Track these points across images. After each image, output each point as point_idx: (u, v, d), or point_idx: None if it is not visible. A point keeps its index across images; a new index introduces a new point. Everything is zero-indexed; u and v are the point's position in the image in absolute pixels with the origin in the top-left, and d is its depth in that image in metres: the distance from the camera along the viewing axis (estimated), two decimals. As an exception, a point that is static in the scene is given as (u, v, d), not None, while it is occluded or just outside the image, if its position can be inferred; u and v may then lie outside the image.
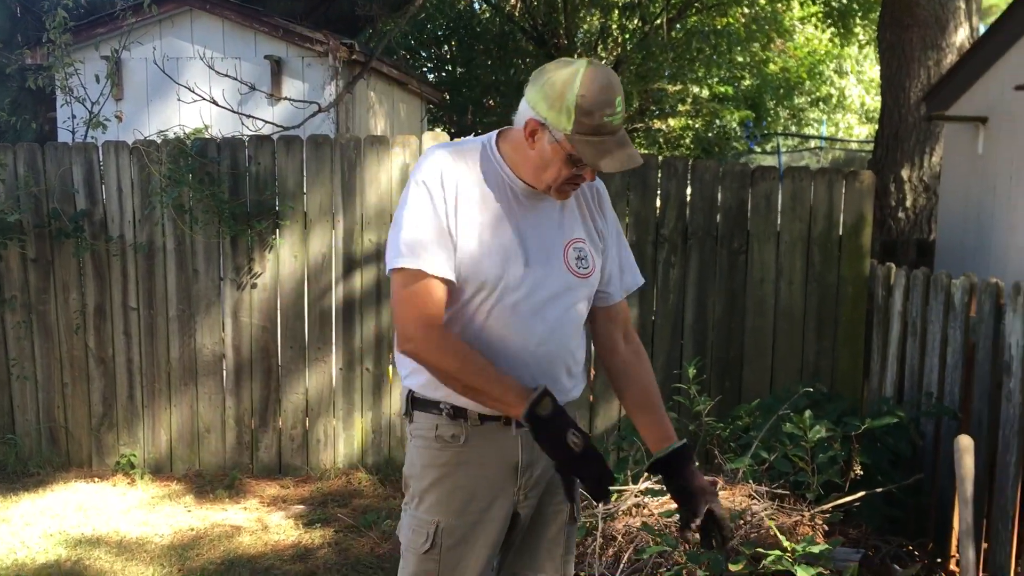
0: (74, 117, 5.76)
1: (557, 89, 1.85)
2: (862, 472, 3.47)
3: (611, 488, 1.86)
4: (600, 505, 3.67)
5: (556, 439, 1.86)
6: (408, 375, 2.05)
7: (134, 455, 5.20)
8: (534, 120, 1.90)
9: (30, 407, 5.24)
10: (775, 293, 4.76)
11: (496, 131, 2.05)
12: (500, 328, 1.94)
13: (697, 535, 2.00)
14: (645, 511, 3.52)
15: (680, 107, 13.00)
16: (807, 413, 3.25)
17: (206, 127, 5.51)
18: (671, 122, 13.39)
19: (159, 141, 5.04)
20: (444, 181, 1.90)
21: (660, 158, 4.91)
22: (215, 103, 5.84)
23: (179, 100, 6.35)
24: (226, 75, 6.09)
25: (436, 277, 1.88)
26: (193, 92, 5.91)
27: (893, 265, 4.52)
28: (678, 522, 2.03)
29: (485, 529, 2.03)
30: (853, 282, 4.68)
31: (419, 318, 1.87)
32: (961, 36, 6.80)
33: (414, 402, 2.04)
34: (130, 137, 5.31)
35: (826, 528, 3.33)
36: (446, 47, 13.59)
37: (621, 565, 3.29)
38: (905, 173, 6.85)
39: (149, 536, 4.38)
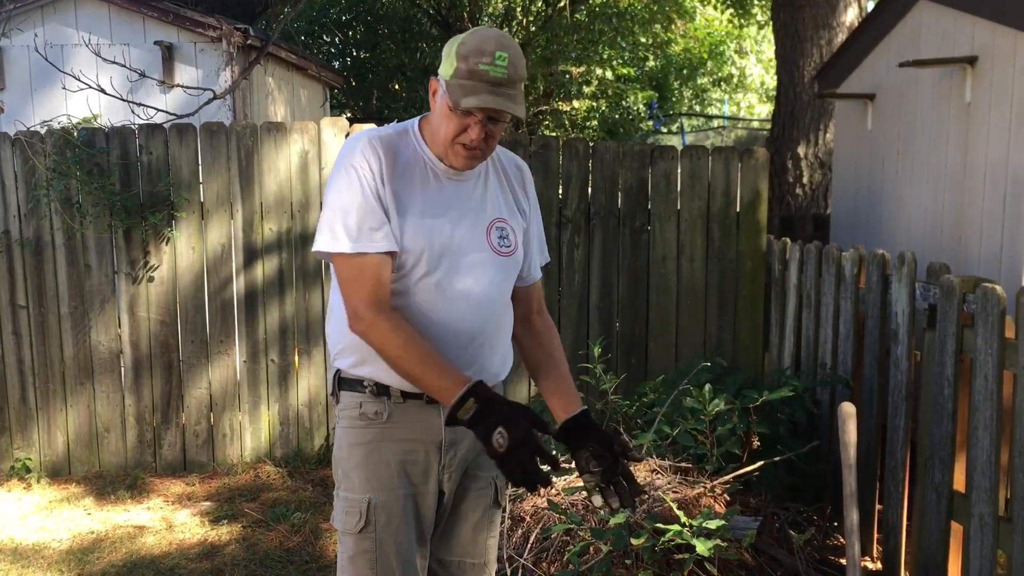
0: (-48, 108, 5.49)
1: (451, 46, 1.95)
2: (760, 443, 3.56)
3: (546, 477, 1.77)
4: (508, 487, 3.69)
5: (481, 439, 1.81)
6: (337, 355, 2.06)
7: (29, 459, 5.00)
8: (433, 79, 2.00)
9: (-86, 414, 4.99)
10: (677, 270, 4.84)
11: (421, 115, 2.10)
12: (424, 305, 1.97)
13: (615, 499, 1.94)
14: (551, 491, 3.54)
15: (585, 89, 13.09)
16: (706, 387, 3.31)
17: (95, 117, 5.31)
18: (576, 104, 13.47)
19: (43, 132, 4.84)
20: (371, 163, 1.94)
21: (561, 140, 4.93)
22: (103, 91, 5.63)
23: (64, 89, 6.11)
24: (114, 62, 5.87)
25: (380, 254, 1.91)
26: (79, 80, 5.69)
27: (788, 240, 4.64)
28: (591, 486, 1.94)
29: (416, 504, 2.04)
30: (751, 257, 4.79)
31: (367, 299, 1.89)
32: (851, 15, 7.01)
33: (340, 382, 2.06)
34: (12, 128, 5.08)
35: (727, 499, 3.40)
36: (350, 31, 13.38)
37: (529, 544, 3.32)
38: (801, 150, 7.04)
39: (46, 542, 4.22)
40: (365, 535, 2.02)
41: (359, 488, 2.03)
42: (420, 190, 1.97)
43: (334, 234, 1.91)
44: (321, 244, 1.93)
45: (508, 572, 3.25)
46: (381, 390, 2.01)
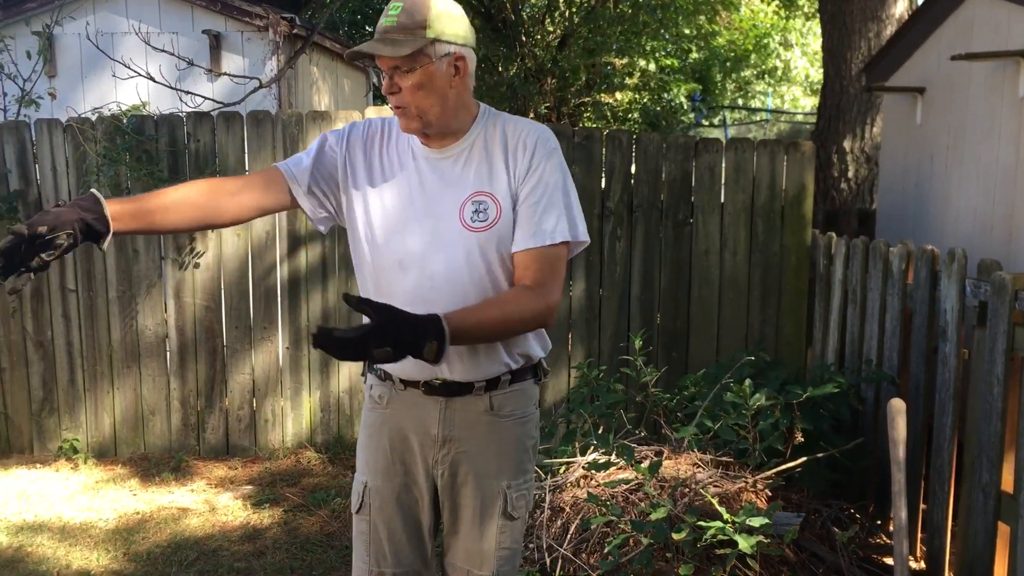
0: (5, 95, 5.61)
1: None
2: (804, 438, 3.52)
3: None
4: (547, 477, 3.69)
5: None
6: None
7: (77, 440, 5.10)
8: None
9: (-33, 393, 5.11)
10: (720, 264, 4.80)
11: None
12: (390, 284, 1.98)
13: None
14: (592, 483, 3.54)
15: (628, 81, 13.01)
16: (747, 382, 3.29)
17: (143, 104, 5.39)
18: (618, 96, 13.39)
19: (94, 119, 4.92)
20: (360, 134, 2.06)
21: (605, 132, 4.91)
22: (152, 79, 5.71)
23: (115, 76, 6.20)
24: (163, 50, 5.95)
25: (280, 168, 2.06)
26: (129, 68, 5.77)
27: (834, 234, 4.58)
28: None
29: (411, 494, 2.05)
30: (795, 251, 4.74)
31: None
32: (900, 7, 6.89)
33: (367, 364, 2.11)
34: (64, 115, 5.16)
35: (769, 494, 3.38)
36: (392, 21, 13.38)
37: (569, 535, 3.32)
38: (847, 144, 6.94)
39: (93, 521, 4.31)
40: (362, 517, 2.06)
41: (361, 469, 2.09)
42: (396, 171, 2.02)
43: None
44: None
45: (547, 562, 3.26)
46: (387, 376, 2.05)
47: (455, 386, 1.99)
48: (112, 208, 1.78)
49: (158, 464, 5.00)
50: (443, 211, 1.96)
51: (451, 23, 1.92)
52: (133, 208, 1.83)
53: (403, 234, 1.97)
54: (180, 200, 1.90)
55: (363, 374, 2.15)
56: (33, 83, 5.59)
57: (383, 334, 1.64)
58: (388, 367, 2.02)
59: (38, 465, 5.02)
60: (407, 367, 1.96)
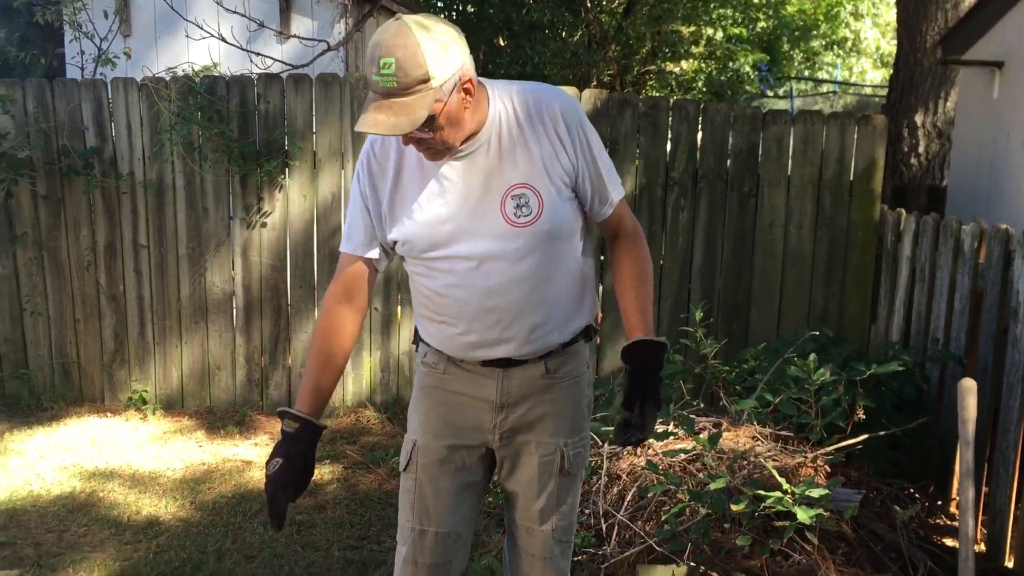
0: (83, 53, 5.73)
1: None
2: (865, 416, 3.49)
3: (279, 521, 1.95)
4: (605, 445, 3.72)
5: (270, 454, 1.97)
6: (415, 313, 2.15)
7: (146, 391, 5.26)
8: None
9: (43, 343, 5.29)
10: (784, 237, 4.75)
11: None
12: (445, 288, 1.99)
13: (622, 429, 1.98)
14: (650, 451, 3.56)
15: (693, 49, 12.82)
16: (811, 357, 3.27)
17: (215, 65, 5.47)
18: (684, 65, 13.21)
19: (168, 78, 5.02)
20: (364, 174, 2.03)
21: (672, 101, 4.86)
22: (223, 40, 5.79)
23: (187, 37, 6.30)
24: (234, 12, 6.02)
25: (355, 256, 2.06)
26: (201, 29, 5.86)
27: (903, 210, 4.50)
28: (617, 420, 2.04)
29: (460, 455, 2.08)
30: (863, 227, 4.67)
31: (332, 288, 2.09)
32: (981, -22, 6.67)
33: (417, 331, 2.18)
34: (138, 74, 5.27)
35: (828, 470, 3.36)
36: (458, -15, 13.35)
37: (625, 503, 3.35)
38: (919, 118, 6.78)
39: (161, 470, 4.46)
40: (408, 475, 2.11)
41: (412, 429, 2.13)
42: (420, 182, 1.96)
43: (343, 234, 2.11)
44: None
45: (603, 527, 3.30)
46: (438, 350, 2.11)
47: (512, 360, 2.04)
48: (312, 411, 2.00)
49: (223, 418, 5.13)
50: (484, 212, 1.94)
51: (445, 55, 1.79)
52: (322, 400, 2.04)
53: (451, 245, 1.95)
54: (337, 364, 2.06)
55: (414, 342, 2.19)
56: (109, 42, 5.72)
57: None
58: (439, 347, 2.08)
59: (109, 414, 5.19)
60: (457, 352, 2.05)
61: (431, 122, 1.81)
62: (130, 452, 4.67)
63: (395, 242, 2.02)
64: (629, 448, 3.65)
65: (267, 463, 1.95)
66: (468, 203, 1.94)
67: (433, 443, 2.07)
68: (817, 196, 4.71)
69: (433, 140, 1.86)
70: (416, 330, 2.18)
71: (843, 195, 4.68)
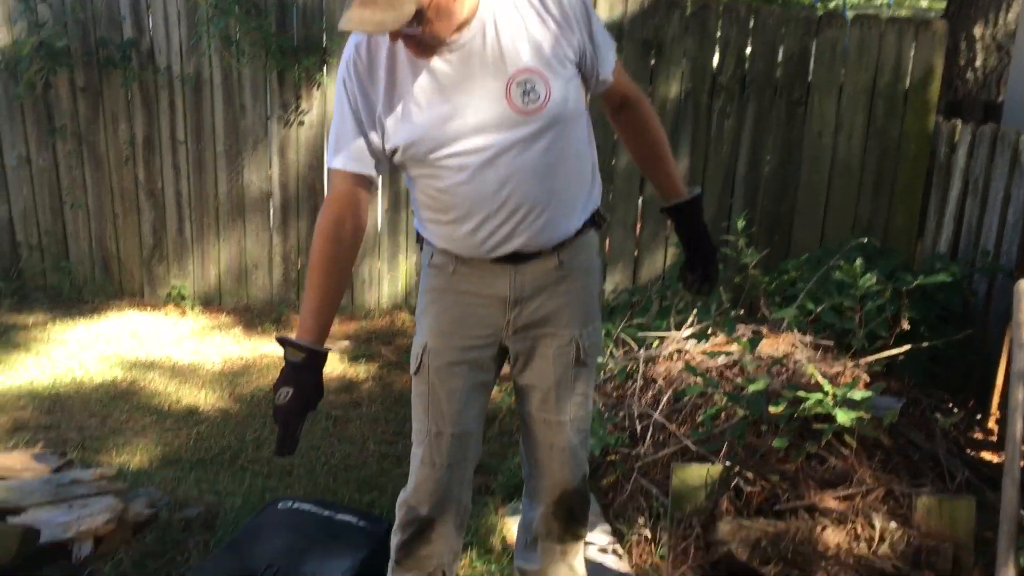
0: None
1: None
2: (909, 327, 3.44)
3: (291, 449, 1.94)
4: (641, 350, 3.70)
5: (275, 384, 1.94)
6: (415, 215, 2.07)
7: (184, 287, 5.31)
8: None
9: (83, 236, 5.34)
10: (833, 147, 4.62)
11: None
12: (454, 187, 1.89)
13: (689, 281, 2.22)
14: (687, 356, 3.54)
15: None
16: (858, 261, 3.19)
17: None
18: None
19: (205, -31, 4.92)
20: (350, 78, 1.89)
21: (721, 4, 4.69)
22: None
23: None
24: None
25: (347, 173, 1.91)
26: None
27: (959, 121, 4.35)
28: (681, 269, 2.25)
29: (472, 355, 2.03)
30: (916, 138, 4.53)
31: (327, 210, 1.96)
32: None
33: (420, 234, 2.09)
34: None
35: (868, 380, 3.32)
36: None
37: (660, 406, 3.34)
38: (977, 31, 6.50)
39: (200, 363, 4.52)
40: (420, 378, 2.05)
41: (421, 332, 2.06)
42: (414, 81, 1.85)
43: (329, 149, 1.94)
44: (327, 158, 1.96)
45: (638, 429, 3.30)
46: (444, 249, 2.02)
47: (524, 255, 1.97)
48: (316, 338, 1.92)
49: (260, 315, 5.18)
50: (489, 100, 1.84)
51: None
52: (325, 327, 1.95)
53: (458, 142, 1.85)
54: (338, 288, 1.98)
55: (419, 241, 2.10)
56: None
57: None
58: (447, 247, 1.99)
59: (148, 309, 5.25)
60: (467, 250, 1.96)
61: (419, 16, 1.71)
62: (169, 345, 4.73)
63: (394, 150, 1.89)
64: (665, 354, 3.63)
65: (275, 391, 1.91)
66: (471, 96, 1.84)
67: (444, 345, 2.02)
68: (870, 105, 4.56)
69: (423, 35, 1.75)
70: (418, 233, 2.09)
71: (897, 104, 4.53)
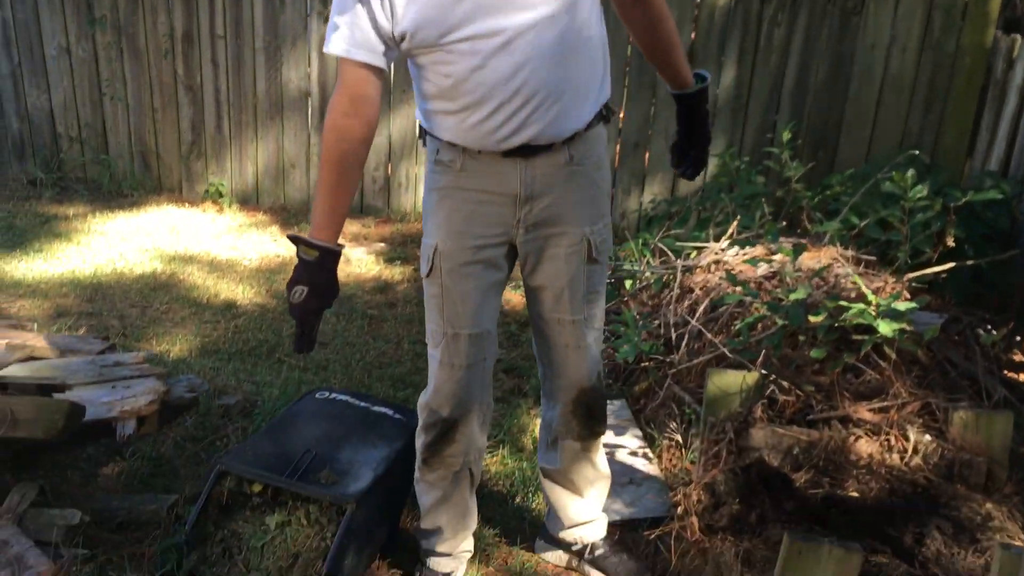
0: None
1: None
2: (954, 244, 3.38)
3: (309, 346, 1.95)
4: (679, 259, 3.67)
5: (288, 283, 1.92)
6: (421, 112, 2.00)
7: (222, 184, 5.32)
8: None
9: (122, 130, 5.34)
10: (886, 60, 4.48)
11: None
12: (467, 73, 1.82)
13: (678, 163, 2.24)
14: (725, 266, 3.51)
15: None
16: (910, 172, 3.11)
17: None
18: None
19: None
20: None
21: (778, -96, 4.51)
22: None
23: None
24: None
25: (359, 65, 1.84)
26: None
27: (1019, 36, 4.19)
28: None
29: (485, 256, 2.00)
30: (972, 52, 4.37)
31: (337, 101, 1.88)
32: None
33: (424, 128, 2.01)
34: None
35: (909, 296, 3.29)
36: None
37: (696, 315, 3.33)
38: (1044, -56, 6.24)
39: (238, 259, 4.55)
40: (433, 280, 2.02)
41: (431, 233, 2.01)
42: None
43: (330, 36, 1.84)
44: (326, 44, 1.87)
45: (673, 337, 3.30)
46: (453, 144, 1.94)
47: (535, 147, 1.92)
48: (329, 236, 1.90)
49: (296, 215, 5.19)
50: None
51: None
52: (338, 224, 1.93)
53: (471, 24, 1.78)
54: (350, 185, 1.93)
55: (420, 136, 2.03)
56: None
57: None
58: (456, 140, 1.92)
59: (186, 204, 5.28)
60: (478, 141, 1.90)
61: None
62: (207, 241, 4.76)
63: (403, 35, 1.80)
64: (703, 265, 3.61)
65: (289, 290, 1.90)
66: None
67: (456, 246, 1.98)
68: (927, 17, 4.40)
69: None
70: (421, 128, 2.02)
71: (955, 17, 4.37)
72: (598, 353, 2.18)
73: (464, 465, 2.19)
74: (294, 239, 1.90)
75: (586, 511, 2.35)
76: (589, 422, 2.22)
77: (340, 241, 1.93)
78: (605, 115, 2.02)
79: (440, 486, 2.20)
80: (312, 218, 1.93)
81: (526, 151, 1.91)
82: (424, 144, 2.03)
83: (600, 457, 2.33)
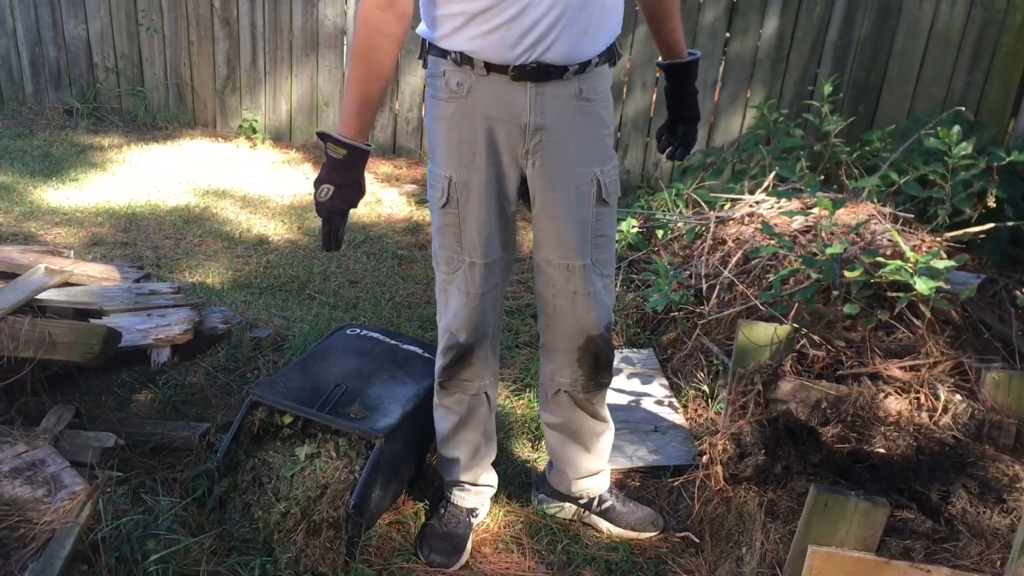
0: None
1: None
2: (994, 204, 3.32)
3: (337, 244, 1.95)
4: (712, 211, 3.64)
5: (315, 181, 1.91)
6: (426, 25, 1.95)
7: (256, 120, 5.32)
8: None
9: (158, 62, 5.33)
10: (933, 14, 4.38)
11: None
12: (512, 16, 1.79)
13: (666, 143, 2.26)
14: (760, 218, 3.48)
15: None
16: (956, 128, 3.05)
17: None
18: None
19: None
20: None
21: None
22: None
23: None
24: None
25: None
26: None
27: (1075, -7, 4.08)
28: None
29: (497, 184, 1.98)
30: (1023, 9, 4.26)
31: None
32: None
33: (429, 48, 1.96)
34: None
35: (945, 256, 3.24)
36: None
37: (728, 267, 3.31)
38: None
39: (270, 195, 4.56)
40: (448, 210, 2.00)
41: (442, 164, 1.98)
42: None
43: None
44: None
45: (703, 288, 3.28)
46: (464, 60, 1.88)
47: (549, 69, 1.87)
48: (357, 133, 1.87)
49: (329, 154, 5.18)
50: None
51: None
52: (367, 122, 1.90)
53: None
54: (381, 81, 1.88)
55: (421, 56, 1.99)
56: None
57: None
58: (469, 49, 1.87)
59: (220, 139, 5.29)
60: (496, 49, 1.85)
61: None
62: (241, 176, 4.78)
63: None
64: (737, 217, 3.58)
65: (316, 188, 1.89)
66: None
67: (471, 176, 1.96)
68: (979, -30, 4.29)
69: None
70: (424, 43, 1.96)
71: (1008, -29, 4.25)
72: (608, 301, 2.13)
73: (480, 389, 2.20)
74: (323, 136, 1.87)
75: (592, 463, 2.34)
76: (595, 372, 2.18)
77: (369, 143, 1.91)
78: (612, 56, 1.98)
79: (457, 410, 2.22)
80: (342, 115, 1.89)
81: (538, 74, 1.87)
82: (425, 65, 1.98)
83: (604, 409, 2.30)
